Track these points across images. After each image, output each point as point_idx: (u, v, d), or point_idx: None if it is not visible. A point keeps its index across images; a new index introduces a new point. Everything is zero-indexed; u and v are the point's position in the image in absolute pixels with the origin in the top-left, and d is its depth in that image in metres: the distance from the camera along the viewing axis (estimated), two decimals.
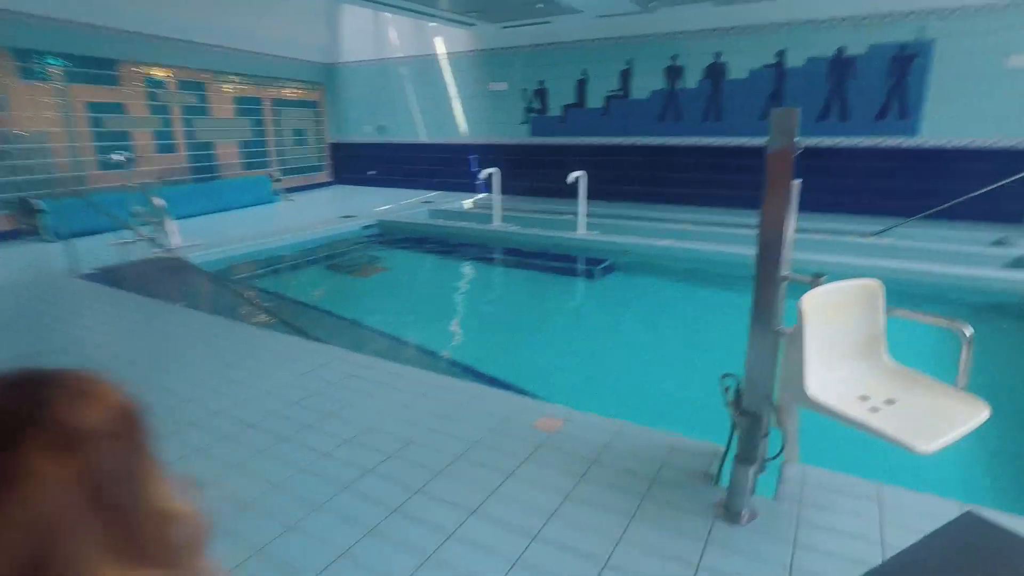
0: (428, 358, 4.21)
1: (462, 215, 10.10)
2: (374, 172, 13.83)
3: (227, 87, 11.54)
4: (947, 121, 8.13)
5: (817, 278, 2.08)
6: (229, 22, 11.05)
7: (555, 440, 2.73)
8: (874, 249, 6.73)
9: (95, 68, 9.17)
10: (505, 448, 2.67)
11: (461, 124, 12.33)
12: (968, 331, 1.93)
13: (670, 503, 2.26)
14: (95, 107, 9.20)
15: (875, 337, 2.13)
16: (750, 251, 6.62)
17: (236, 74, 11.65)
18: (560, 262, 7.38)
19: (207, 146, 11.20)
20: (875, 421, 1.79)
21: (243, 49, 11.52)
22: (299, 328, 4.47)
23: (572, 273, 7.16)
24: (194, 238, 7.60)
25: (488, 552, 2.03)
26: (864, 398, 1.99)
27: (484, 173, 8.93)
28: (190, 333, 4.27)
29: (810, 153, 8.96)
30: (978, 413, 1.80)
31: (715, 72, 9.50)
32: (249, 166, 12.15)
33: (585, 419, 2.92)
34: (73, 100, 8.88)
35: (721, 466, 2.39)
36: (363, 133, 13.74)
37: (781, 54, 8.97)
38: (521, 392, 3.45)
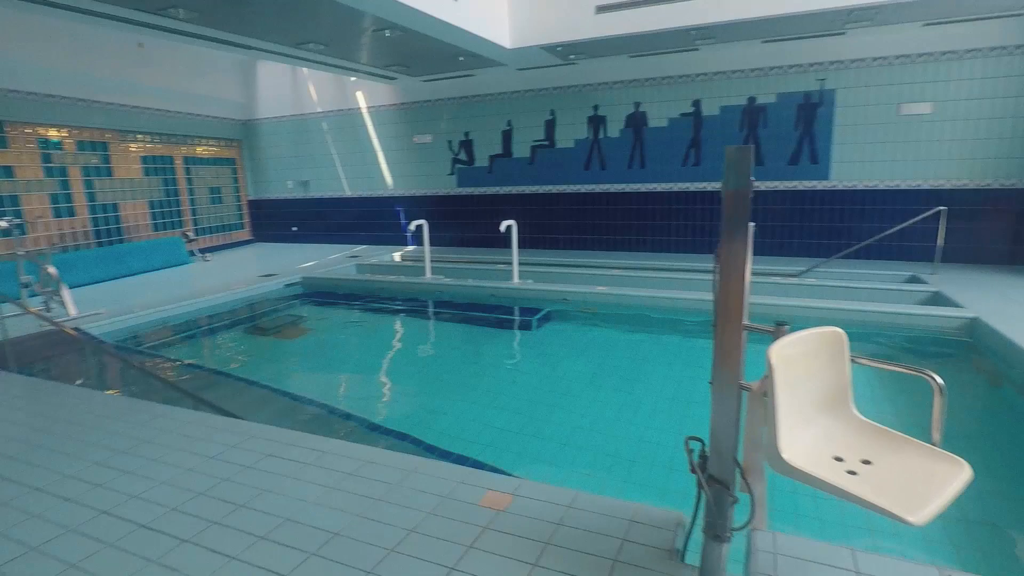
0: (358, 428, 3.81)
1: (391, 268, 9.76)
2: (296, 228, 13.34)
3: (134, 146, 10.90)
4: (853, 165, 8.65)
5: (780, 327, 1.93)
6: (135, 79, 10.50)
7: (503, 520, 2.43)
8: (799, 290, 6.90)
9: None
10: (447, 534, 2.35)
11: (387, 177, 12.12)
12: (939, 381, 1.81)
13: None
14: None
15: (841, 390, 1.99)
16: (684, 295, 6.54)
17: (144, 133, 11.05)
18: (496, 313, 7.16)
19: (111, 208, 10.45)
20: (859, 489, 1.61)
21: (150, 108, 10.99)
22: (210, 403, 3.98)
23: (509, 325, 6.94)
24: (95, 307, 6.89)
25: None
26: (838, 459, 1.81)
27: (412, 225, 8.70)
28: (78, 416, 3.71)
29: None
30: (960, 473, 1.66)
31: (636, 121, 9.80)
32: (160, 227, 11.42)
33: (535, 490, 2.64)
34: None
35: (687, 540, 2.15)
36: (284, 189, 13.28)
37: (697, 103, 9.38)
38: (463, 461, 3.15)
